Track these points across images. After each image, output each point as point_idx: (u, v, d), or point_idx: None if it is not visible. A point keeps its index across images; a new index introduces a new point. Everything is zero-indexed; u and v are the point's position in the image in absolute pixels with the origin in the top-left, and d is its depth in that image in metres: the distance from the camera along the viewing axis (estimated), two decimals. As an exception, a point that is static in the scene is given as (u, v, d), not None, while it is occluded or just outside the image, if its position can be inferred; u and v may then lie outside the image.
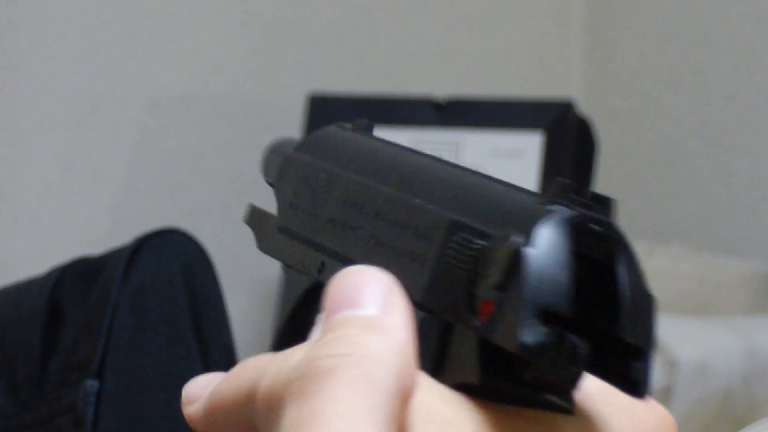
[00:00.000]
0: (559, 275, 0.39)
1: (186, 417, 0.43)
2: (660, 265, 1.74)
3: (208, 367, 1.18)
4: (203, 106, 1.85)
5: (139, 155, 1.80)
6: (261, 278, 1.82)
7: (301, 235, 0.53)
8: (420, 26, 2.05)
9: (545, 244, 0.39)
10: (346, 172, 0.51)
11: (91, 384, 1.13)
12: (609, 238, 0.40)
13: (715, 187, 2.02)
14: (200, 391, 0.43)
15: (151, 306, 1.18)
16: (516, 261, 0.39)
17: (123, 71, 1.79)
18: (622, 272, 0.40)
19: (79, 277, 1.22)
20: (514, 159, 1.70)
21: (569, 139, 1.70)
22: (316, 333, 0.38)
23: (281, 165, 0.56)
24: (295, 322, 0.53)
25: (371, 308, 0.38)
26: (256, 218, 0.58)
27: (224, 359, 1.20)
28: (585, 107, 1.97)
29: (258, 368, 0.39)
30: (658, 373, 1.39)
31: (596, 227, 0.40)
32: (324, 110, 1.73)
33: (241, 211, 0.59)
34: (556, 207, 0.40)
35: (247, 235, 0.58)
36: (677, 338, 1.43)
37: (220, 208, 1.83)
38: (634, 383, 0.40)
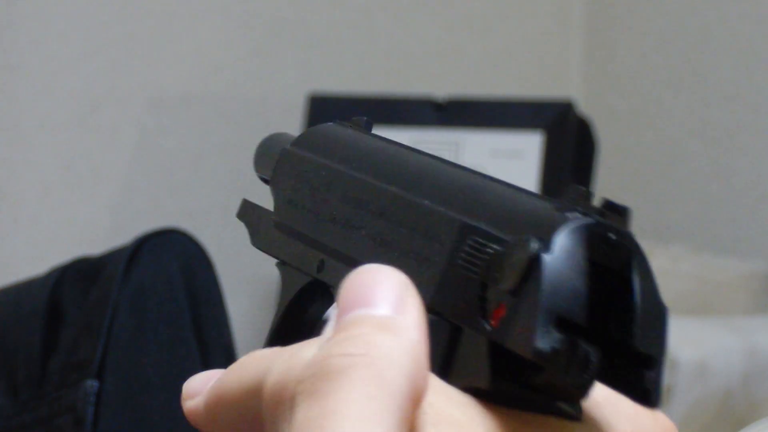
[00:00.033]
0: (575, 283, 0.39)
1: (186, 412, 0.43)
2: (660, 265, 1.74)
3: (207, 367, 1.17)
4: (203, 106, 1.85)
5: (139, 155, 1.80)
6: (261, 278, 1.82)
7: (299, 232, 0.52)
8: (420, 26, 2.05)
9: (562, 251, 0.39)
10: (348, 169, 0.50)
11: (91, 384, 1.13)
12: (625, 247, 0.40)
13: (715, 187, 2.02)
14: (201, 386, 0.43)
15: (151, 306, 1.18)
16: (533, 266, 0.39)
17: (123, 71, 1.79)
18: (636, 282, 0.40)
19: (79, 277, 1.22)
20: (514, 159, 1.71)
21: (569, 139, 1.70)
22: (328, 330, 0.38)
23: (278, 160, 0.55)
24: (290, 319, 0.53)
25: (385, 307, 0.38)
26: (249, 213, 0.57)
27: (224, 359, 1.20)
28: (585, 107, 1.97)
29: (264, 361, 0.39)
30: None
31: (613, 236, 0.40)
32: (324, 110, 1.73)
33: (241, 211, 0.59)
34: (572, 214, 0.40)
35: (247, 234, 0.58)
36: (677, 338, 1.43)
37: (220, 208, 1.83)
38: (645, 393, 0.40)
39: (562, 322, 0.38)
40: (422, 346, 0.37)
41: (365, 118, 0.54)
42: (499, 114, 1.74)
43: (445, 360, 0.42)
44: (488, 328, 0.40)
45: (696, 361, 1.42)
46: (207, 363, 1.18)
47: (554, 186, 1.67)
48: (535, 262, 0.39)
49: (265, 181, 0.58)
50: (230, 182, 1.83)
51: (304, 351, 0.38)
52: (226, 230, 1.78)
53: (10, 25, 1.69)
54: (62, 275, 1.22)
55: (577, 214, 0.40)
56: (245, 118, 1.87)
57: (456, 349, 0.42)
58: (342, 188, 0.50)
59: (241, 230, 0.57)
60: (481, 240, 0.42)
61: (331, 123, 0.55)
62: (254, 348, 0.42)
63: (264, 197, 0.57)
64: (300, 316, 0.53)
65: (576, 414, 0.41)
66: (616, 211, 0.40)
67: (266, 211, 0.56)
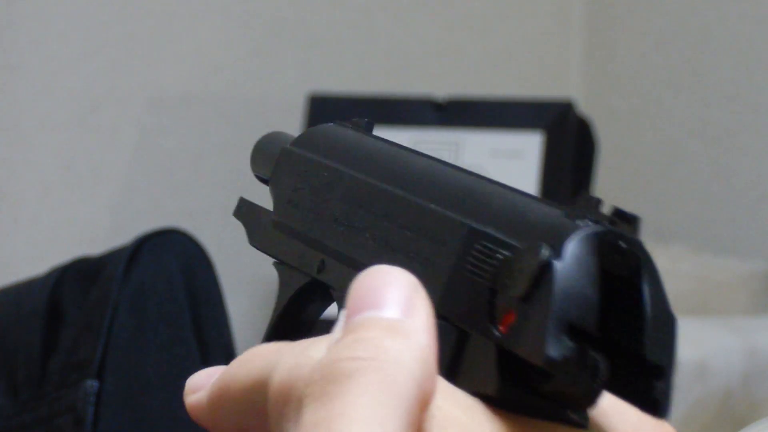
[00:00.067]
0: (586, 291, 0.39)
1: (188, 407, 0.43)
2: (660, 265, 1.73)
3: (207, 367, 1.17)
4: (203, 106, 1.85)
5: (139, 155, 1.80)
6: (261, 278, 1.82)
7: (299, 232, 0.52)
8: (420, 26, 2.05)
9: (573, 259, 0.39)
10: (351, 170, 0.50)
11: (91, 384, 1.13)
12: (635, 255, 0.40)
13: (715, 187, 2.02)
14: (204, 380, 0.43)
15: (151, 306, 1.18)
16: (544, 274, 0.39)
17: (123, 71, 1.79)
18: (646, 291, 0.40)
19: (79, 277, 1.22)
20: (514, 159, 1.70)
21: (569, 139, 1.70)
22: (337, 331, 0.38)
23: (277, 159, 0.55)
24: (288, 318, 0.53)
25: (394, 310, 0.38)
26: (247, 212, 0.57)
27: (224, 359, 1.20)
28: (585, 107, 1.97)
29: (271, 356, 0.39)
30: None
31: (623, 244, 0.40)
32: (324, 110, 1.73)
33: (241, 211, 0.59)
34: (582, 222, 0.40)
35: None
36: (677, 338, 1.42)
37: (220, 208, 1.83)
38: (654, 403, 0.40)
39: (572, 330, 0.38)
40: (431, 349, 0.37)
41: (366, 119, 0.54)
42: (499, 114, 1.74)
43: (452, 365, 0.42)
44: (497, 334, 0.40)
45: (696, 361, 1.42)
46: (207, 363, 1.18)
47: (554, 186, 1.67)
48: (546, 269, 0.39)
49: (262, 180, 0.58)
50: (230, 182, 1.83)
51: (313, 350, 0.38)
52: (226, 230, 1.77)
53: (10, 25, 1.69)
54: (62, 275, 1.22)
55: (588, 222, 0.40)
56: (245, 118, 1.87)
57: (462, 354, 0.42)
58: (344, 189, 0.50)
59: (241, 230, 0.57)
60: (490, 245, 0.42)
61: (331, 123, 0.54)
62: (254, 348, 0.42)
63: (263, 197, 0.57)
64: (297, 315, 0.53)
65: (582, 422, 0.41)
66: (626, 219, 0.40)
67: (264, 210, 0.55)
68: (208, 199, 1.84)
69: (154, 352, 1.17)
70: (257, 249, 0.55)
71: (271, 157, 0.56)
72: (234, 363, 0.41)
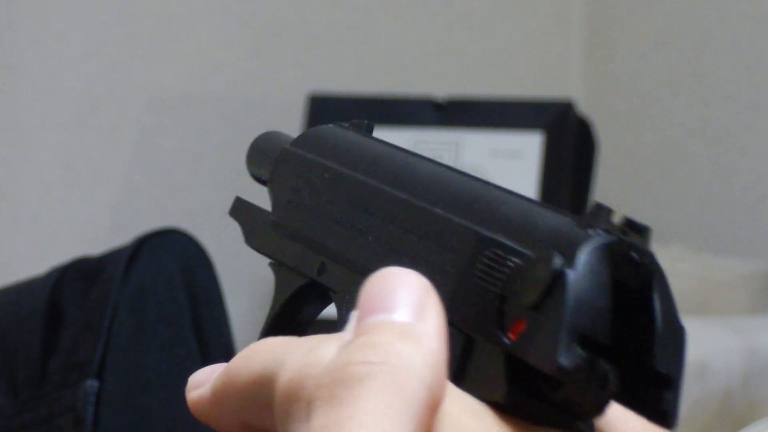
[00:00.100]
0: (598, 301, 0.39)
1: (190, 403, 0.43)
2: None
3: (208, 367, 1.17)
4: (203, 106, 1.85)
5: (139, 155, 1.80)
6: (261, 278, 1.82)
7: (299, 234, 0.52)
8: (420, 26, 2.05)
9: (586, 268, 0.39)
10: (354, 172, 0.50)
11: (91, 384, 1.13)
12: (646, 266, 0.40)
13: (715, 187, 2.02)
14: (207, 376, 0.43)
15: (151, 306, 1.18)
16: (557, 283, 0.39)
17: (123, 71, 1.79)
18: (657, 302, 0.40)
19: (79, 277, 1.22)
20: (514, 159, 1.70)
21: (569, 139, 1.70)
22: (348, 333, 0.38)
23: (277, 159, 0.55)
24: (283, 320, 0.52)
25: (405, 313, 0.38)
26: (243, 212, 0.56)
27: (224, 359, 1.19)
28: (585, 107, 1.97)
29: (278, 351, 0.40)
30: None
31: (635, 255, 0.40)
32: (324, 110, 1.73)
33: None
34: (594, 231, 0.40)
35: (246, 234, 0.57)
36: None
37: (220, 208, 1.83)
38: (663, 414, 0.40)
39: (583, 340, 0.38)
40: (441, 354, 0.37)
41: (366, 121, 0.53)
42: (499, 114, 1.74)
43: (458, 371, 0.42)
44: (507, 341, 0.40)
45: (696, 361, 1.42)
46: (207, 363, 1.18)
47: (554, 186, 1.67)
48: (559, 278, 0.39)
49: (259, 180, 0.58)
50: (230, 182, 1.83)
51: (323, 349, 0.38)
52: (226, 230, 1.77)
53: (10, 25, 1.69)
54: (62, 275, 1.22)
55: (599, 231, 0.40)
56: (245, 118, 1.87)
57: (469, 360, 0.42)
58: (347, 191, 0.50)
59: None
60: (500, 253, 0.42)
61: (330, 125, 0.54)
62: (254, 348, 0.42)
63: (263, 197, 0.56)
64: (294, 317, 0.53)
65: (589, 430, 0.41)
66: (637, 230, 0.41)
67: (262, 210, 0.55)
68: (208, 199, 1.84)
69: (154, 352, 1.17)
70: (254, 249, 0.55)
71: (269, 157, 0.56)
72: (239, 355, 0.41)
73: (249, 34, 1.89)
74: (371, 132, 0.53)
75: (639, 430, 0.42)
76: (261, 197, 0.57)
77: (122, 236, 1.45)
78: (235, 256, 1.70)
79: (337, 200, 0.50)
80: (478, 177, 0.47)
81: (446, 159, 1.72)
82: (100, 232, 1.76)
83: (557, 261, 0.39)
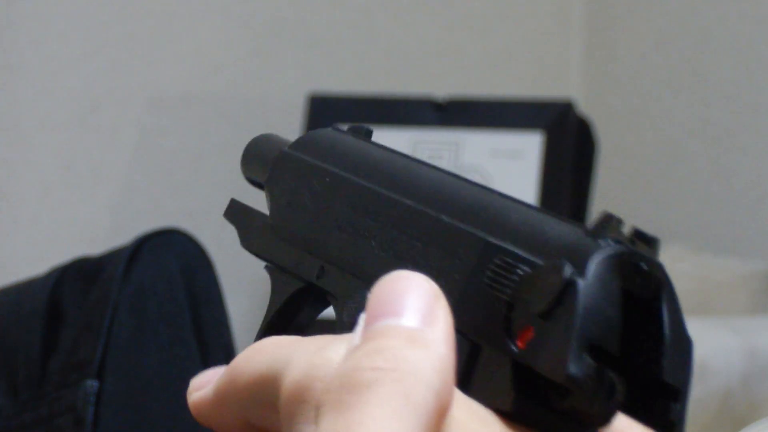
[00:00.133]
0: (608, 310, 0.39)
1: (191, 405, 0.43)
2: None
3: (207, 368, 1.17)
4: (203, 106, 1.85)
5: (139, 155, 1.80)
6: (261, 278, 1.81)
7: (298, 237, 0.52)
8: (420, 26, 2.05)
9: (596, 278, 0.39)
10: (356, 177, 0.50)
11: (91, 384, 1.13)
12: (655, 277, 0.40)
13: (715, 187, 2.02)
14: (209, 378, 0.43)
15: (151, 306, 1.18)
16: (567, 291, 0.39)
17: (123, 71, 1.79)
18: (666, 313, 0.40)
19: (79, 277, 1.22)
20: (514, 159, 1.70)
21: (569, 139, 1.70)
22: (356, 336, 0.38)
23: (275, 162, 0.54)
24: (280, 323, 0.52)
25: (414, 318, 0.38)
26: (238, 214, 0.56)
27: (224, 359, 1.20)
28: (585, 107, 1.97)
29: (283, 350, 0.40)
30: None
31: (644, 266, 0.40)
32: (324, 110, 1.73)
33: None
34: (604, 241, 0.40)
35: (246, 235, 0.57)
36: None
37: (220, 208, 1.82)
38: (670, 425, 0.40)
39: (592, 349, 0.38)
40: (450, 360, 0.37)
41: (365, 126, 0.53)
42: (499, 114, 1.74)
43: (463, 378, 0.42)
44: (514, 349, 0.40)
45: (696, 361, 1.42)
46: (207, 363, 1.18)
47: (554, 186, 1.67)
48: (569, 286, 0.39)
49: (254, 183, 0.57)
50: (230, 182, 1.83)
51: (331, 350, 0.38)
52: (226, 230, 1.77)
53: (10, 25, 1.69)
54: (62, 275, 1.22)
55: (610, 241, 0.40)
56: (245, 118, 1.87)
57: (474, 367, 0.42)
58: (349, 195, 0.49)
59: (242, 231, 0.57)
60: (509, 260, 0.42)
61: (329, 129, 0.54)
62: (254, 348, 0.42)
63: (261, 198, 0.56)
64: (290, 321, 0.52)
65: None
66: (645, 241, 0.41)
67: (258, 213, 0.55)
68: (208, 199, 1.84)
69: (154, 352, 1.17)
70: (250, 252, 0.55)
71: (265, 160, 0.55)
72: (243, 354, 0.41)
73: (249, 34, 1.89)
74: (370, 137, 0.53)
75: None
76: (259, 199, 0.57)
77: (122, 236, 1.45)
78: (235, 256, 1.69)
79: (339, 204, 0.50)
80: (482, 185, 0.47)
81: (446, 159, 1.72)
82: (100, 232, 1.76)
83: (568, 270, 0.39)
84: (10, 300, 1.23)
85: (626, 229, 0.41)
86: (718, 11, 2.02)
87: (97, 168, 1.77)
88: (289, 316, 0.52)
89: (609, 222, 0.41)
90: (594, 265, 0.39)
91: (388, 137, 1.65)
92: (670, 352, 0.40)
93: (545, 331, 0.39)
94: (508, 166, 1.70)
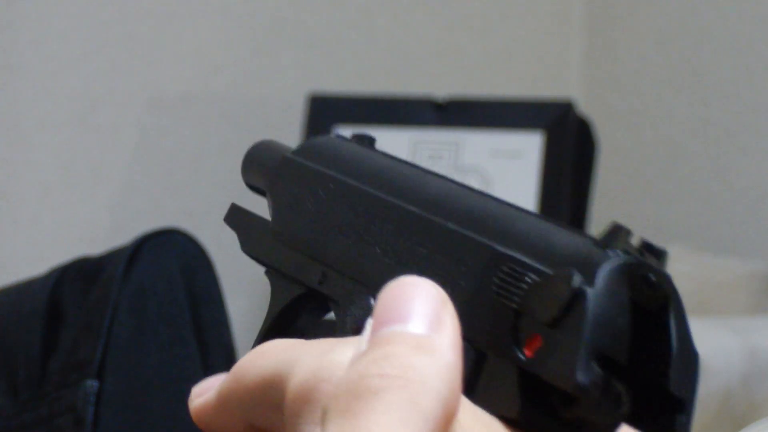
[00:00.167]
0: (616, 320, 0.39)
1: (193, 411, 0.43)
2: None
3: (207, 367, 1.18)
4: (203, 106, 1.85)
5: (139, 155, 1.80)
6: (261, 278, 1.81)
7: (300, 242, 0.51)
8: (420, 26, 2.05)
9: (605, 288, 0.39)
10: (360, 183, 0.50)
11: (91, 384, 1.13)
12: (663, 288, 0.40)
13: (715, 187, 2.02)
14: (210, 385, 0.43)
15: (151, 306, 1.18)
16: (576, 301, 0.39)
17: (123, 71, 1.79)
18: (673, 325, 0.40)
19: (79, 277, 1.22)
20: (514, 159, 1.70)
21: (569, 139, 1.70)
22: (363, 342, 0.38)
23: (278, 168, 0.54)
24: (280, 327, 0.52)
25: (421, 325, 0.38)
26: (239, 218, 0.56)
27: (224, 359, 1.20)
28: (585, 107, 1.97)
29: (288, 353, 0.40)
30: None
31: (652, 277, 0.40)
32: (324, 110, 1.73)
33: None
34: (613, 252, 0.40)
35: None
36: (677, 338, 1.42)
37: (220, 208, 1.82)
38: None
39: (600, 358, 0.39)
40: (456, 366, 0.37)
41: (369, 135, 0.53)
42: (499, 114, 1.74)
43: (469, 386, 0.41)
44: (522, 357, 0.40)
45: (696, 361, 1.41)
46: (207, 363, 1.18)
47: (554, 186, 1.67)
48: (578, 296, 0.39)
49: (254, 189, 0.57)
50: (230, 182, 1.83)
51: (337, 353, 0.38)
52: (226, 230, 1.77)
53: (10, 25, 1.69)
54: (62, 275, 1.22)
55: (618, 252, 0.40)
56: (245, 118, 1.87)
57: (480, 375, 0.42)
58: (353, 202, 0.49)
59: (242, 230, 0.56)
60: (518, 269, 0.42)
61: (333, 135, 0.54)
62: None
63: (260, 201, 0.56)
64: (290, 325, 0.52)
65: None
66: (653, 252, 0.41)
67: (259, 217, 0.55)
68: (208, 199, 1.84)
69: (154, 352, 1.17)
70: (251, 257, 0.55)
71: (266, 166, 0.55)
72: (247, 356, 0.41)
73: (249, 34, 1.89)
74: (373, 145, 0.53)
75: None
76: (259, 200, 0.57)
77: (122, 236, 1.45)
78: (235, 256, 1.69)
79: (343, 211, 0.50)
80: (488, 193, 0.47)
81: (446, 159, 1.72)
82: (100, 232, 1.76)
83: (577, 279, 0.39)
84: (10, 300, 1.23)
85: (635, 240, 0.41)
86: (718, 11, 2.02)
87: (97, 168, 1.77)
88: (289, 321, 0.52)
89: (618, 232, 0.41)
90: (603, 274, 0.39)
91: (389, 137, 1.65)
92: (677, 363, 0.40)
93: (553, 339, 0.39)
94: (508, 166, 1.70)
